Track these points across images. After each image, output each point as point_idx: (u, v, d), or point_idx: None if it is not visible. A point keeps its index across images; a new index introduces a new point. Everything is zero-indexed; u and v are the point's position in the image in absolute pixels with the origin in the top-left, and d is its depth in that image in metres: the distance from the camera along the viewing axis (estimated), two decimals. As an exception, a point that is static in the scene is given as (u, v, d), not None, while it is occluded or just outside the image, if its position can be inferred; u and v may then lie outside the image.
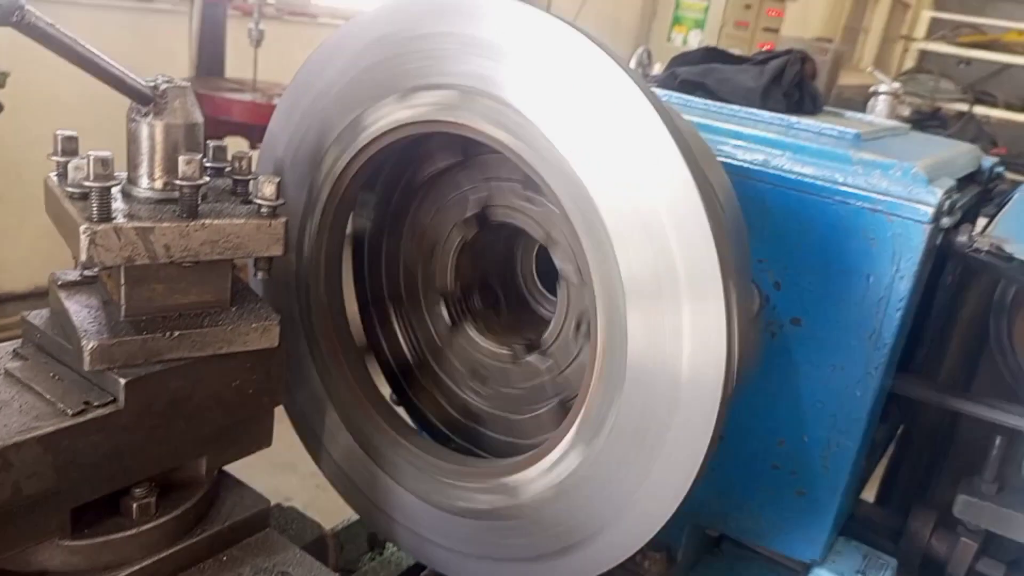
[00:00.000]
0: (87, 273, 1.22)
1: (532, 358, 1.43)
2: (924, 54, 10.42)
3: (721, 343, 1.03)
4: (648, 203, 1.05)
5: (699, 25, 9.24)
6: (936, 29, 10.90)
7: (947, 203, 1.39)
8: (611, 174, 1.07)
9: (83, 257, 1.03)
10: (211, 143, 1.28)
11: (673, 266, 1.04)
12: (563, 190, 1.11)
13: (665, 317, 1.06)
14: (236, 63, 5.11)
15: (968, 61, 9.98)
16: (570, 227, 1.12)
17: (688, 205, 1.02)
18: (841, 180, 1.42)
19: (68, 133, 1.17)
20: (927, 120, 9.03)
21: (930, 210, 1.36)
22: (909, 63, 10.88)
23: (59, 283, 1.21)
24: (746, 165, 1.48)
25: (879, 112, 2.05)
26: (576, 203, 1.10)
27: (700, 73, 1.82)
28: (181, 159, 1.08)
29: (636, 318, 1.08)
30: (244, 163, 1.23)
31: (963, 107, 9.38)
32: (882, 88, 2.08)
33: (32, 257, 5.08)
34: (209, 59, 5.06)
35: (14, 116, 3.67)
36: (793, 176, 1.45)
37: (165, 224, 1.07)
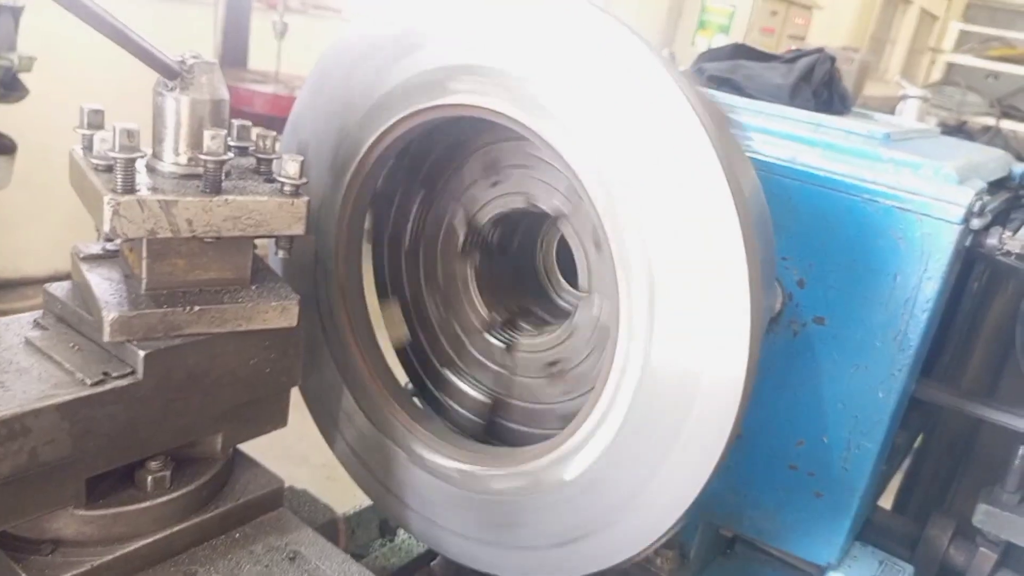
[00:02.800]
0: (109, 247, 1.22)
1: (495, 342, 1.43)
2: (951, 66, 10.29)
3: (744, 342, 1.02)
4: (679, 199, 1.04)
5: (724, 30, 9.22)
6: (964, 41, 10.78)
7: (978, 204, 1.36)
8: (642, 166, 1.06)
9: (106, 228, 1.03)
10: (236, 122, 1.28)
11: (700, 263, 1.03)
12: (591, 180, 1.10)
13: (689, 313, 1.05)
14: (259, 55, 5.15)
15: (996, 75, 9.85)
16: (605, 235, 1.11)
17: (718, 203, 1.01)
18: (870, 178, 1.39)
19: (94, 106, 1.18)
20: (952, 133, 8.92)
21: (960, 211, 1.33)
22: (936, 75, 10.78)
23: (81, 256, 1.21)
24: (773, 161, 1.46)
25: (908, 116, 2.02)
26: (607, 193, 1.09)
27: (728, 69, 1.80)
28: (206, 134, 1.08)
29: (660, 313, 1.07)
30: (268, 142, 1.23)
31: (990, 121, 9.26)
32: (911, 92, 2.05)
33: (55, 243, 5.10)
34: (233, 50, 5.10)
35: (40, 101, 3.70)
36: (821, 173, 1.43)
37: (188, 198, 1.07)
